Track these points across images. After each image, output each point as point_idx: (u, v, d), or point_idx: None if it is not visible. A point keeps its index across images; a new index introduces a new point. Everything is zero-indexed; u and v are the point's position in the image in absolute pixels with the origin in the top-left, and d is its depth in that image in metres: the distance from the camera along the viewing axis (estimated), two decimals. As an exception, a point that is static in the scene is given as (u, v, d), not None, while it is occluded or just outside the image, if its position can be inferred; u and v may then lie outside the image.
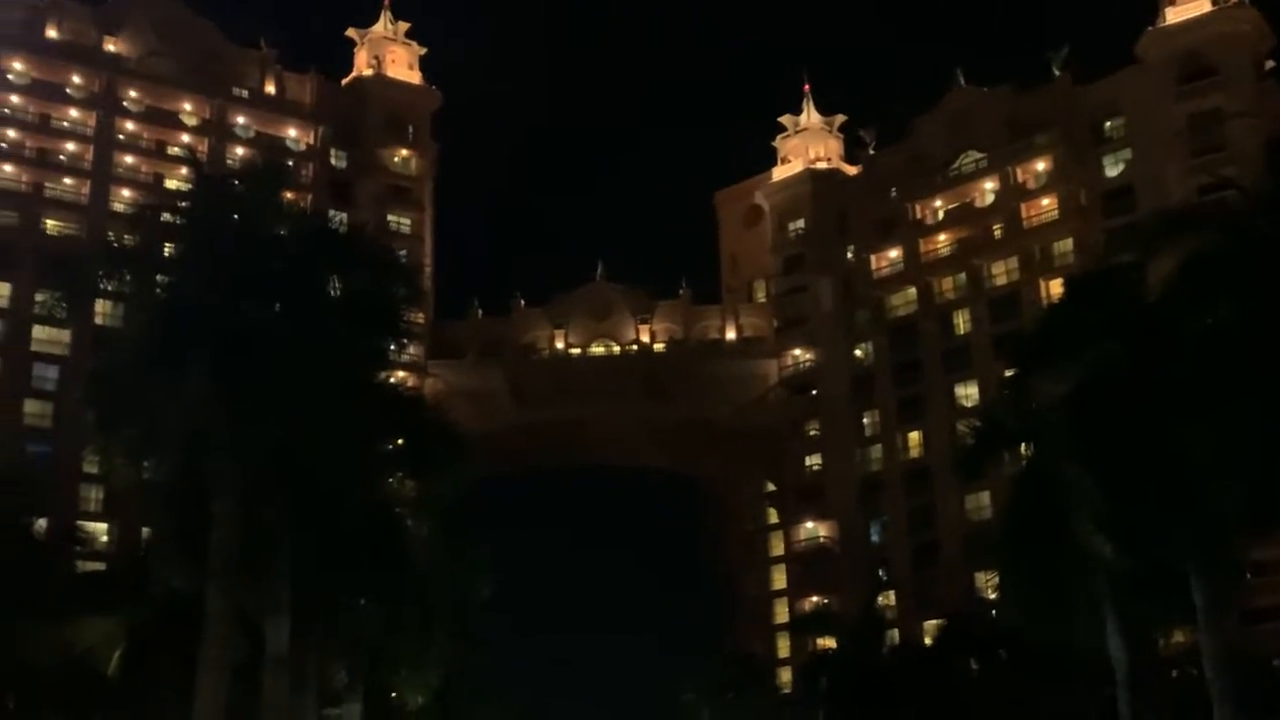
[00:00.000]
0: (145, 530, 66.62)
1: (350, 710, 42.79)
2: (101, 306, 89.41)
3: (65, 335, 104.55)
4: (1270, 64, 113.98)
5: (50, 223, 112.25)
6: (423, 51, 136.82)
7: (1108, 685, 39.09)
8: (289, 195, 44.71)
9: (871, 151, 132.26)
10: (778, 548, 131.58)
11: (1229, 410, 29.49)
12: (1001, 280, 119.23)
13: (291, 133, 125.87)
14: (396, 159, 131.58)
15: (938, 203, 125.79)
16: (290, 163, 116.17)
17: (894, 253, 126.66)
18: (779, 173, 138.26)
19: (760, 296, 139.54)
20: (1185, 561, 34.02)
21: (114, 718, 44.62)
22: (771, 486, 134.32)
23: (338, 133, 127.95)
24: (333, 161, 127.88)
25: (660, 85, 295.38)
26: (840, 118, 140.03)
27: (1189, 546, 33.76)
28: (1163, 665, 48.72)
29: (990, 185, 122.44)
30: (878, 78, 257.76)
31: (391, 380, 49.19)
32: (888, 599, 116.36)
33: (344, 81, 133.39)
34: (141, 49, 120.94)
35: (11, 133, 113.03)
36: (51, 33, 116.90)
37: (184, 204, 37.70)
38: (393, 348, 43.55)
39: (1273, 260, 29.92)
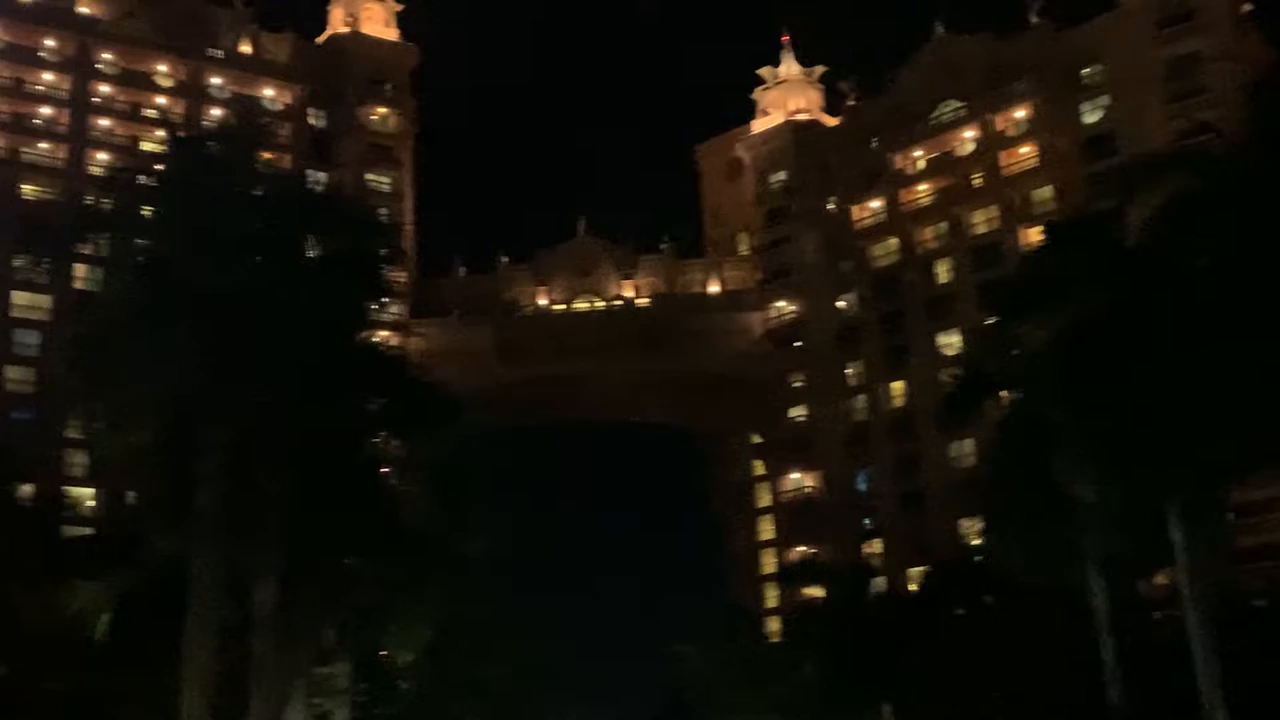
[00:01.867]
0: (132, 494, 66.50)
1: (340, 669, 42.92)
2: (81, 271, 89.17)
3: (46, 300, 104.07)
4: (1248, 6, 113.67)
5: (27, 188, 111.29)
6: (399, 7, 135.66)
7: (1092, 628, 39.40)
8: (267, 156, 44.35)
9: (852, 102, 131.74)
10: (765, 499, 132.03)
11: (1209, 353, 29.65)
12: (982, 229, 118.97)
13: (269, 93, 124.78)
14: (375, 117, 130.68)
15: (918, 153, 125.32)
16: (268, 123, 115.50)
17: (876, 203, 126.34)
18: (759, 125, 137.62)
19: (744, 249, 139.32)
20: (1166, 503, 34.32)
21: (104, 681, 44.66)
22: (758, 438, 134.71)
23: (316, 92, 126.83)
24: (312, 121, 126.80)
25: (640, 39, 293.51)
26: (820, 69, 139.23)
27: (1169, 488, 34.05)
28: (1145, 607, 49.08)
29: (970, 134, 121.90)
30: (858, 28, 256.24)
31: (375, 339, 49.07)
32: (874, 547, 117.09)
33: (320, 39, 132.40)
34: (116, 11, 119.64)
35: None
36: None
37: (160, 166, 37.51)
38: (375, 306, 43.54)
39: (1251, 203, 30.00)
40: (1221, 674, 33.25)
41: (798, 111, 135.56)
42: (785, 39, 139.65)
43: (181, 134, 44.95)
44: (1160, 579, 50.78)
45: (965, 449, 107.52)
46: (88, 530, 78.81)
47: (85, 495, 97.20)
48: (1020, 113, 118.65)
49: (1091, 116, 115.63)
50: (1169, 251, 31.78)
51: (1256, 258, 29.55)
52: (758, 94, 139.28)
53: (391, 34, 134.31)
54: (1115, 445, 34.81)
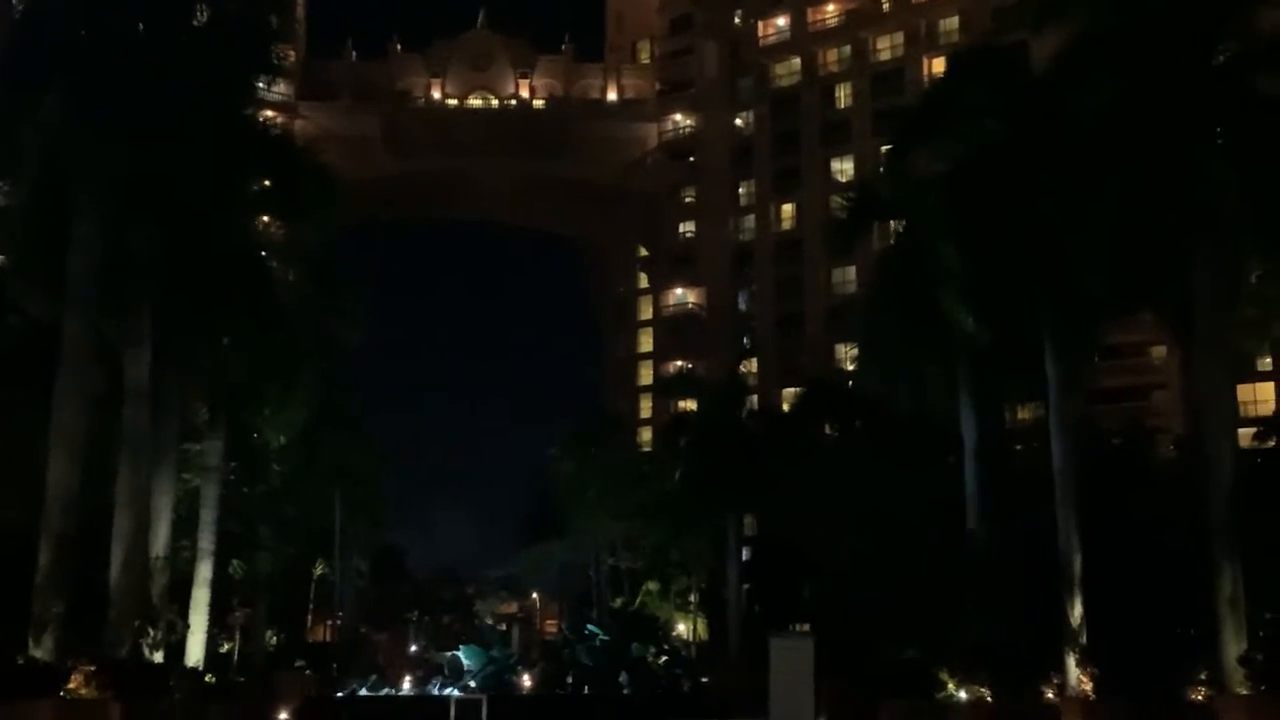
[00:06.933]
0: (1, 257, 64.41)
1: (211, 445, 42.65)
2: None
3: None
4: None
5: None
6: None
7: (957, 456, 40.53)
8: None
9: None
10: (646, 311, 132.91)
11: (1101, 192, 29.92)
12: (886, 55, 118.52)
13: None
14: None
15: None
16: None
17: (782, 20, 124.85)
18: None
19: (644, 58, 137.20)
20: (1042, 338, 35.06)
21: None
22: (644, 251, 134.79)
23: None
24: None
25: None
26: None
27: (1048, 323, 34.75)
28: (1009, 439, 50.65)
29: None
30: None
31: (261, 117, 47.57)
32: (750, 366, 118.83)
33: None
34: None
35: None
36: None
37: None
38: (262, 83, 42.10)
39: (1157, 41, 29.99)
40: (1078, 503, 34.50)
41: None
42: None
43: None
44: (1024, 415, 52.13)
45: (848, 275, 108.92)
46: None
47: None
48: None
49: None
50: (1071, 86, 31.75)
51: (1150, 97, 29.66)
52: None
53: None
54: (995, 277, 35.40)
